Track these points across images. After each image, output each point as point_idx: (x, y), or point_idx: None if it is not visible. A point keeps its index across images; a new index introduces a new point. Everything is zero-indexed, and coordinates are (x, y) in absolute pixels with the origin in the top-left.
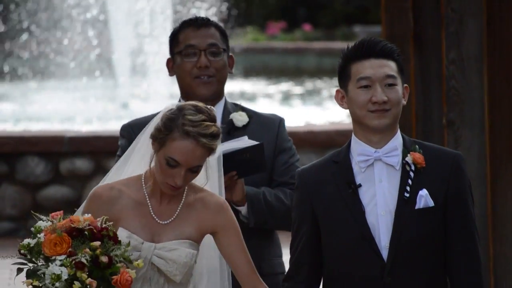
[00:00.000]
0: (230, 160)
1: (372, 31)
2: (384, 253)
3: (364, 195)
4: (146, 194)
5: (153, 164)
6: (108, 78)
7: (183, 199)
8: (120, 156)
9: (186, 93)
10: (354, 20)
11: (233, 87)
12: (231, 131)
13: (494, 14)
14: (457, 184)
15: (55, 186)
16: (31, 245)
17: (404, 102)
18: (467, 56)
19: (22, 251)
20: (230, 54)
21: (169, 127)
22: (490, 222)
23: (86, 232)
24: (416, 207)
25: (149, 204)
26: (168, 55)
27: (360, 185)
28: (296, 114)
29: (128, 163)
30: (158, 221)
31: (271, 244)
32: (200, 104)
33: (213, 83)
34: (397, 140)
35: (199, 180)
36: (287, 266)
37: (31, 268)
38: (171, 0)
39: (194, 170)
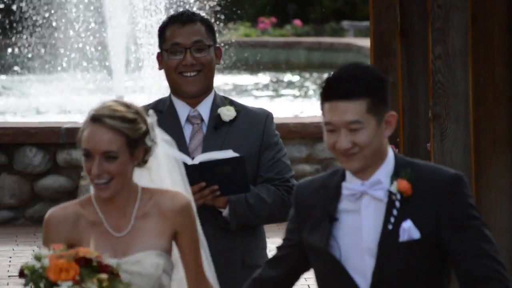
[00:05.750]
0: (211, 172)
1: (360, 26)
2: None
3: (348, 227)
4: (98, 211)
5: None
6: (104, 72)
7: (135, 207)
8: None
9: (174, 89)
10: (342, 16)
11: (225, 80)
12: (218, 125)
13: (479, 10)
14: (451, 210)
15: (53, 176)
16: (35, 268)
17: (389, 131)
18: (452, 51)
19: (25, 272)
20: (217, 46)
21: (82, 128)
22: None
23: (94, 264)
24: (400, 240)
25: (102, 220)
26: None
27: (336, 219)
28: (286, 107)
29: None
30: (115, 234)
31: (255, 237)
32: (119, 100)
33: (200, 79)
34: (386, 168)
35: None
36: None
37: None
38: None
39: (110, 156)
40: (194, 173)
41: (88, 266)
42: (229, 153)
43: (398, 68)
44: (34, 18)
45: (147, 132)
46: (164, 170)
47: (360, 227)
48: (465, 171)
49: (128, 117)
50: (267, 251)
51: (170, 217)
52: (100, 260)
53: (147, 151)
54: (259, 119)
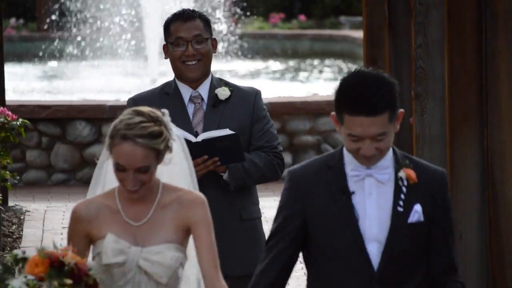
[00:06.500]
0: (212, 147)
1: (354, 21)
2: (374, 262)
3: (356, 204)
4: (118, 202)
5: None
6: (140, 58)
7: (156, 200)
8: None
9: (178, 75)
10: (340, 12)
11: (241, 66)
12: (216, 103)
13: (454, 7)
14: (443, 200)
15: (98, 145)
16: (18, 256)
17: (398, 126)
18: (431, 41)
19: (7, 258)
20: (213, 37)
21: (111, 135)
22: (449, 173)
23: (66, 268)
24: (409, 221)
25: (120, 210)
26: None
27: (353, 192)
28: (293, 88)
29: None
30: (132, 223)
31: (250, 195)
32: (144, 108)
33: (200, 67)
34: (389, 156)
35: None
36: (263, 211)
37: (2, 272)
38: None
39: (143, 171)
40: (198, 149)
41: (59, 268)
42: (226, 131)
43: (386, 56)
44: (81, 13)
45: (169, 137)
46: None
47: (364, 206)
48: (441, 140)
49: (155, 132)
50: (259, 206)
51: (189, 209)
52: (75, 268)
53: (170, 150)
54: (249, 97)
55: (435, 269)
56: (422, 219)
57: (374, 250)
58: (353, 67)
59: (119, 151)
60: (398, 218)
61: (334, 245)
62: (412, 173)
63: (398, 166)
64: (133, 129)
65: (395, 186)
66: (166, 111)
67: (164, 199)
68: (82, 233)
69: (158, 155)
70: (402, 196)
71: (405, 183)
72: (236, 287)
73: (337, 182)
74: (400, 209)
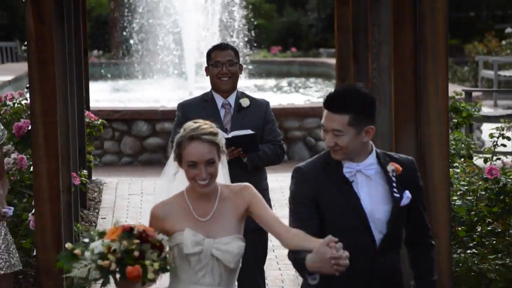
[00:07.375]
0: (237, 141)
1: (330, 52)
2: (376, 237)
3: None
4: (188, 202)
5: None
6: (182, 76)
7: (218, 196)
8: (176, 124)
9: (214, 87)
10: (320, 45)
11: (252, 83)
12: (240, 109)
13: (398, 43)
14: (417, 182)
15: (154, 137)
16: (100, 231)
17: (367, 139)
18: (382, 67)
19: (92, 233)
20: (240, 64)
21: (179, 144)
22: None
23: (135, 232)
24: (402, 204)
25: (191, 208)
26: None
27: (352, 181)
28: (287, 98)
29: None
30: (201, 219)
31: (261, 173)
32: (198, 120)
33: (230, 82)
34: (373, 156)
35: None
36: (269, 183)
37: (88, 241)
38: (219, 24)
39: (211, 162)
40: (228, 142)
41: (129, 233)
42: (248, 131)
43: (351, 76)
44: (141, 45)
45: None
46: None
47: (357, 195)
48: (389, 135)
49: (214, 131)
50: (267, 181)
51: (241, 195)
52: (142, 231)
53: (223, 151)
54: (262, 106)
55: (413, 234)
56: (409, 202)
57: (373, 228)
58: (328, 84)
59: (190, 150)
60: (395, 203)
61: (341, 225)
62: (398, 166)
63: (382, 161)
64: (197, 130)
65: (386, 178)
66: (214, 125)
67: (222, 193)
68: (158, 228)
69: (219, 151)
70: (394, 185)
71: (394, 174)
72: (251, 236)
73: (337, 175)
74: (397, 195)
